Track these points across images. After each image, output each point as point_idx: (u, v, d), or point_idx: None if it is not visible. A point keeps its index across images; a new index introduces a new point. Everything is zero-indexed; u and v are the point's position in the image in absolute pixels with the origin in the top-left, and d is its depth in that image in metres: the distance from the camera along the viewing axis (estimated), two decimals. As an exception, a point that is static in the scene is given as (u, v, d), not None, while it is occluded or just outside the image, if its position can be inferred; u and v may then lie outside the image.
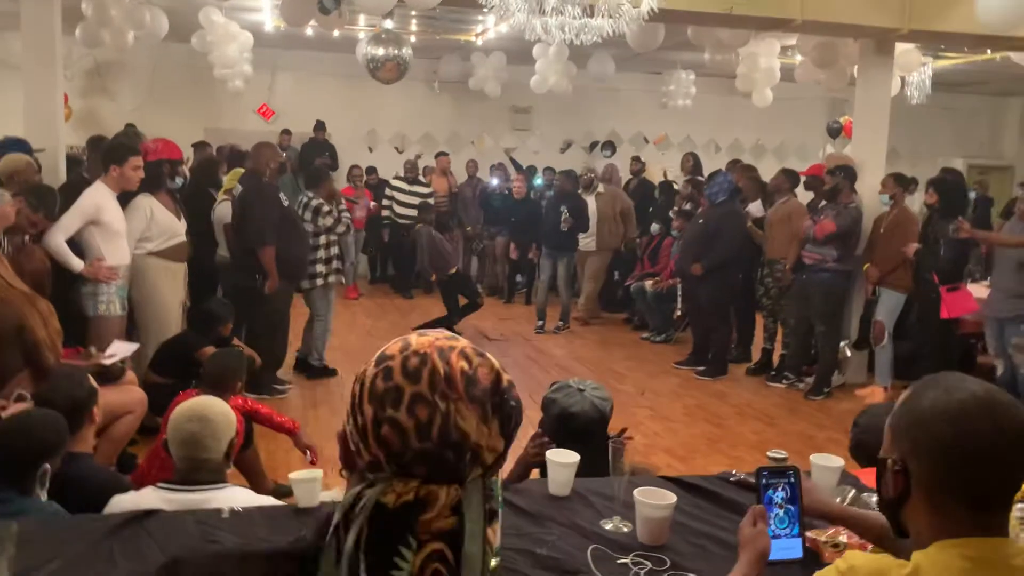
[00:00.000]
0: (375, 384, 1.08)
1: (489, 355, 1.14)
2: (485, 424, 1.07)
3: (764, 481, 1.57)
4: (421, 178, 10.66)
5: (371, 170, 10.88)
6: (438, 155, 11.28)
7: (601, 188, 9.00)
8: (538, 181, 10.57)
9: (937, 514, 1.21)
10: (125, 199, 5.05)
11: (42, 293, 3.86)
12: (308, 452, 3.89)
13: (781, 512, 1.56)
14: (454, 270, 8.39)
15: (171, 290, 5.26)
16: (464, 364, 1.09)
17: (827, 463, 2.23)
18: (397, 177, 10.52)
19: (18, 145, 5.40)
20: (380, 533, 1.05)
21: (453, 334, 1.15)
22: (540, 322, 8.63)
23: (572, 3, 3.43)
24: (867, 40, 6.92)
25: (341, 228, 6.47)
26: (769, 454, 1.96)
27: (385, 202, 10.50)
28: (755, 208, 7.33)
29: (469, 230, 10.73)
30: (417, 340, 1.11)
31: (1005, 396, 1.21)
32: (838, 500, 2.06)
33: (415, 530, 1.05)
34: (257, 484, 3.73)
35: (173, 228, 5.25)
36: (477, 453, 1.07)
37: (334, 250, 6.42)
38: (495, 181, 10.87)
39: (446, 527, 1.06)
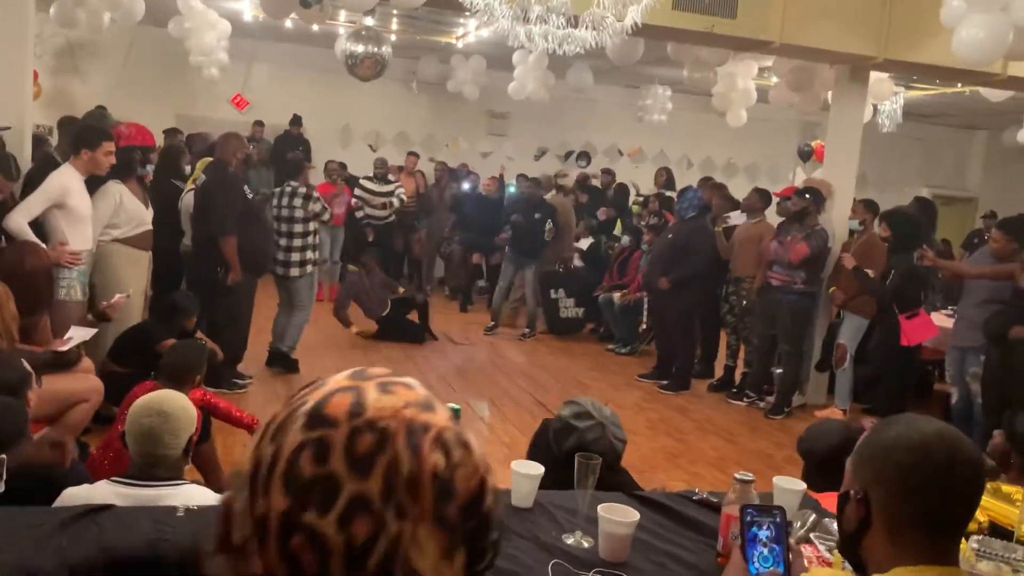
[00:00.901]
0: (298, 465, 0.70)
1: (474, 442, 0.76)
2: (448, 559, 0.71)
3: (749, 519, 1.57)
4: (391, 177, 10.53)
5: (342, 166, 10.75)
6: (408, 155, 11.18)
7: (551, 195, 9.09)
8: (511, 189, 10.55)
9: (896, 542, 1.27)
10: (93, 184, 4.95)
11: (40, 296, 3.80)
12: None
13: (765, 551, 1.56)
14: (387, 310, 8.11)
15: (134, 278, 5.16)
16: (439, 459, 0.71)
17: (789, 486, 2.24)
18: (367, 177, 10.31)
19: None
20: None
21: (427, 395, 0.77)
22: (492, 322, 8.74)
23: (557, 12, 3.43)
24: (843, 66, 7.02)
25: (326, 216, 6.56)
26: (736, 476, 1.96)
27: (355, 202, 10.31)
28: (735, 216, 7.38)
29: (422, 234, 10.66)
30: (377, 399, 0.73)
31: (961, 435, 1.31)
32: (798, 524, 2.07)
33: None
34: (213, 479, 3.67)
35: (141, 216, 5.17)
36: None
37: (318, 239, 6.49)
38: (466, 185, 10.81)
39: None
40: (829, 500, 2.40)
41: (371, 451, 0.69)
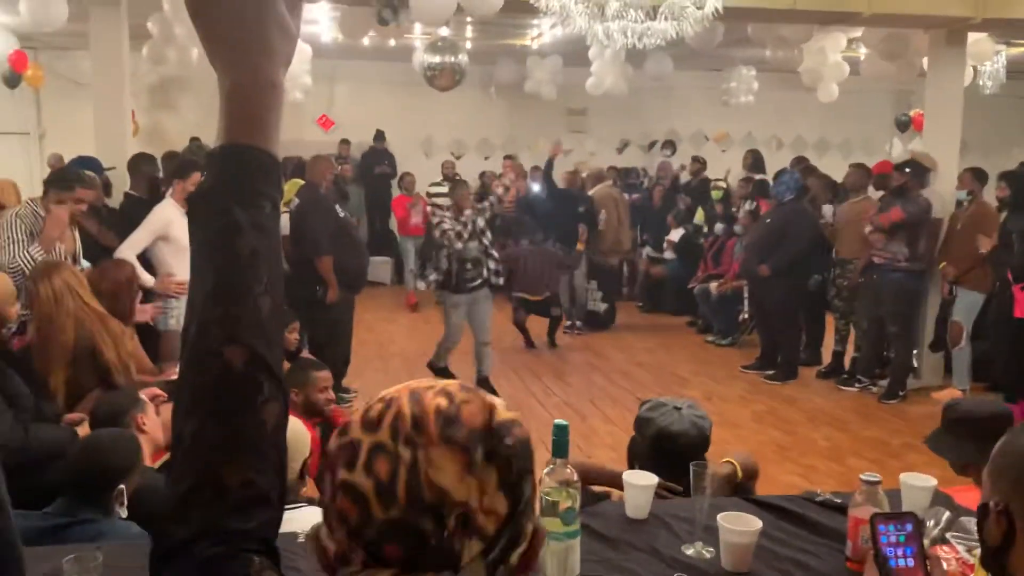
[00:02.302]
0: (331, 445, 0.83)
1: (484, 393, 0.86)
2: (472, 475, 0.78)
3: (881, 528, 1.48)
4: (458, 177, 10.53)
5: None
6: (505, 159, 11.08)
7: (601, 185, 8.96)
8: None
9: None
10: None
11: (120, 306, 3.93)
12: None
13: (901, 562, 1.48)
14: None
15: None
16: (442, 401, 0.81)
17: (918, 483, 2.12)
18: (435, 183, 10.37)
19: (89, 164, 5.55)
20: None
21: (445, 379, 0.91)
22: (569, 321, 8.60)
23: (635, 7, 3.37)
24: (938, 31, 6.68)
25: (445, 241, 6.33)
26: (862, 477, 1.86)
27: (428, 209, 10.35)
28: (827, 212, 7.13)
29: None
30: (397, 387, 0.86)
31: None
32: (931, 523, 1.96)
33: None
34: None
35: None
36: (468, 517, 0.78)
37: (443, 263, 6.31)
38: (536, 186, 10.68)
39: None
40: (962, 495, 2.27)
41: (379, 413, 0.81)
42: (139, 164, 5.69)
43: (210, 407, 0.79)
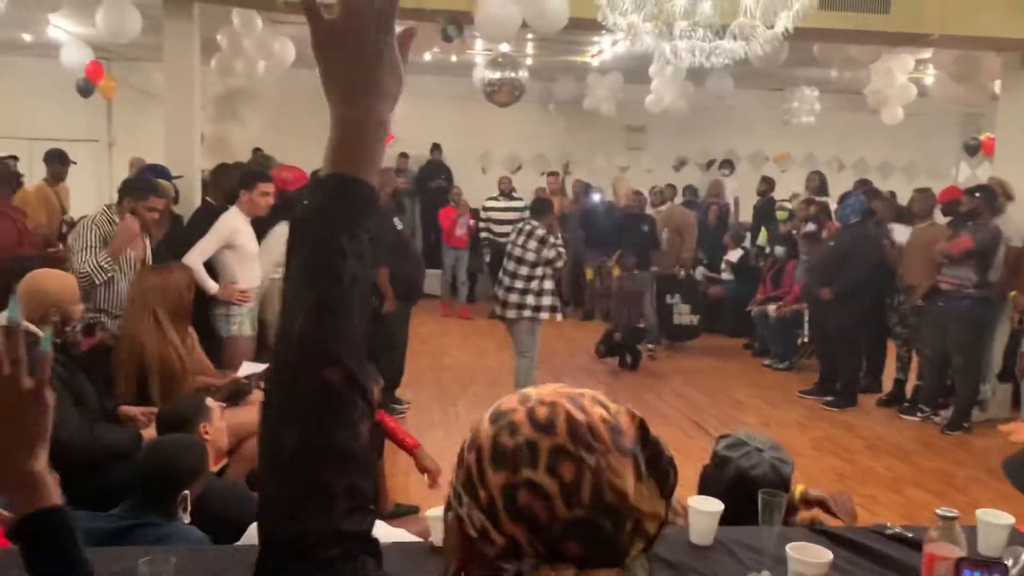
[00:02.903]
0: (499, 442, 0.85)
1: (629, 406, 0.92)
2: (641, 482, 0.85)
3: (967, 574, 1.42)
4: (515, 194, 10.59)
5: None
6: (548, 175, 11.14)
7: (664, 207, 8.93)
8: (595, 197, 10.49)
9: None
10: (262, 223, 5.25)
11: (182, 310, 4.00)
12: (427, 474, 3.89)
13: None
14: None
15: None
16: (602, 411, 0.87)
17: (996, 520, 2.05)
18: (491, 197, 10.44)
19: (159, 173, 5.69)
20: None
21: (565, 384, 0.95)
22: (652, 346, 8.48)
23: (703, 26, 3.34)
24: (1012, 53, 6.51)
25: (559, 264, 6.12)
26: (938, 512, 1.80)
27: (482, 224, 10.43)
28: (899, 230, 6.97)
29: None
30: (537, 391, 0.90)
31: None
32: (1010, 562, 1.89)
33: None
34: (380, 499, 3.75)
35: None
36: (639, 521, 0.85)
37: (548, 284, 5.99)
38: (597, 197, 10.65)
39: None
40: (1043, 535, 2.18)
41: (549, 415, 0.85)
42: (221, 175, 5.81)
43: (312, 420, 0.83)
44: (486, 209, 10.28)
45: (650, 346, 8.37)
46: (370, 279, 0.90)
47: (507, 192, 10.35)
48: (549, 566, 0.83)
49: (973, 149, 11.31)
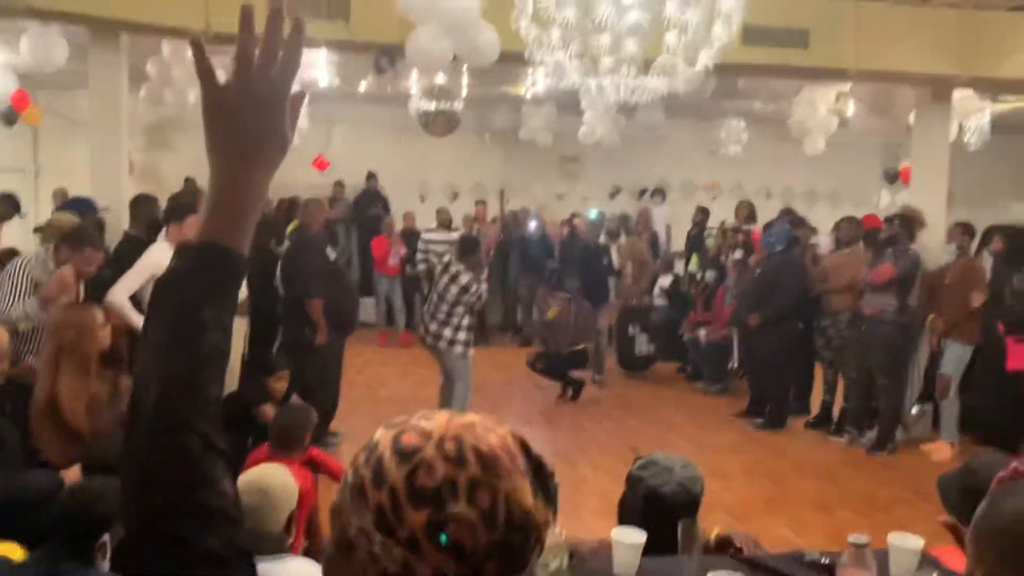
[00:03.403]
0: (416, 482, 0.89)
1: (509, 426, 0.99)
2: (537, 498, 0.93)
3: None
4: (453, 224, 10.61)
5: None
6: (477, 203, 11.15)
7: (623, 239, 8.89)
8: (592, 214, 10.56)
9: None
10: None
11: (95, 351, 3.89)
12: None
13: None
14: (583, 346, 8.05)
15: (235, 346, 5.34)
16: (495, 438, 0.93)
17: (906, 544, 2.13)
18: (430, 229, 10.43)
19: (83, 205, 5.57)
20: None
21: (453, 411, 1.00)
22: (599, 376, 8.38)
23: (627, 63, 3.44)
24: (924, 87, 6.82)
25: (478, 306, 6.37)
26: (850, 539, 1.87)
27: (420, 255, 10.34)
28: (823, 240, 7.21)
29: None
30: (427, 424, 0.94)
31: None
32: (919, 585, 1.97)
33: None
34: (316, 541, 3.70)
35: None
36: (540, 531, 0.93)
37: (465, 320, 6.19)
38: (533, 224, 10.70)
39: None
40: (950, 556, 2.27)
41: (458, 450, 0.90)
42: (141, 205, 5.71)
43: (172, 483, 0.89)
44: (425, 241, 10.25)
45: (596, 376, 8.31)
46: (229, 345, 0.94)
47: (446, 223, 10.38)
48: None
49: (892, 177, 11.75)
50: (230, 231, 0.93)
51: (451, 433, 0.92)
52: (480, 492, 0.89)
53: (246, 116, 0.93)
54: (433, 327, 6.19)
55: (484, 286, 6.30)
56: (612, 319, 8.92)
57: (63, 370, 3.60)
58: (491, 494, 0.89)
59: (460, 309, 6.13)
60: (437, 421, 0.94)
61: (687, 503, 2.20)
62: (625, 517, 2.28)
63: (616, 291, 8.75)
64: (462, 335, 6.17)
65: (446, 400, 6.24)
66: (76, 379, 3.61)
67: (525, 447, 0.95)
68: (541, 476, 0.95)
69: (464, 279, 6.14)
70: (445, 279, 6.19)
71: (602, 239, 9.65)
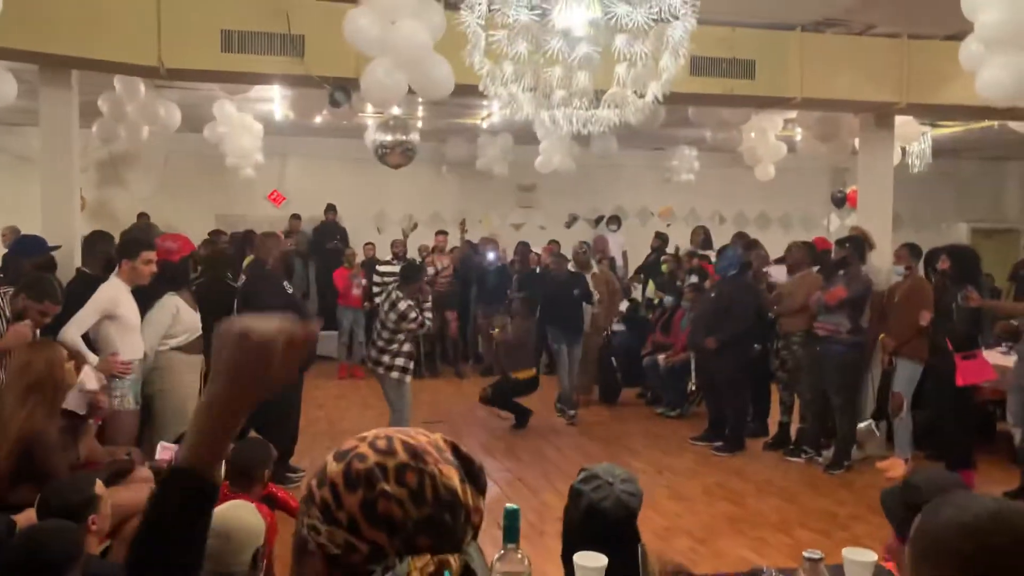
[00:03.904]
0: (351, 470, 1.02)
1: (441, 433, 1.14)
2: (465, 483, 1.06)
3: None
4: (409, 256, 10.61)
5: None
6: (437, 233, 11.19)
7: (596, 268, 8.79)
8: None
9: None
10: (145, 293, 5.12)
11: (51, 388, 3.82)
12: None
13: None
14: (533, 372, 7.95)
15: (191, 383, 5.28)
16: (424, 438, 1.07)
17: (860, 558, 2.19)
18: (385, 261, 10.39)
19: (34, 244, 5.48)
20: None
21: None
22: (572, 412, 8.15)
23: (579, 96, 3.51)
24: (867, 114, 7.05)
25: (421, 332, 6.47)
26: (805, 554, 1.92)
27: (376, 288, 10.26)
28: (775, 271, 7.35)
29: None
30: (370, 432, 1.09)
31: (1016, 507, 1.23)
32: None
33: None
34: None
35: (195, 324, 5.33)
36: (468, 514, 1.05)
37: (406, 347, 6.34)
38: (492, 255, 10.73)
39: None
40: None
41: (388, 444, 1.04)
42: (95, 242, 5.64)
43: None
44: (379, 273, 10.19)
45: (570, 412, 8.14)
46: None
47: (400, 255, 10.35)
48: (411, 557, 1.01)
49: (840, 202, 12.08)
50: (207, 458, 1.08)
51: (383, 433, 1.07)
52: (408, 474, 1.01)
53: (271, 381, 1.10)
54: (373, 353, 6.38)
55: (428, 314, 6.40)
56: (593, 352, 8.77)
57: (33, 408, 3.54)
58: (418, 475, 1.02)
59: (400, 336, 6.28)
60: (376, 430, 1.09)
61: (624, 517, 2.26)
62: (567, 527, 2.34)
63: (592, 321, 8.64)
64: (400, 361, 6.31)
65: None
66: (47, 418, 3.56)
67: (454, 447, 1.09)
68: (470, 469, 1.07)
69: (402, 306, 6.29)
70: (386, 306, 6.37)
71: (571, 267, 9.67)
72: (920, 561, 1.25)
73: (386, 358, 6.30)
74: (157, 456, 4.23)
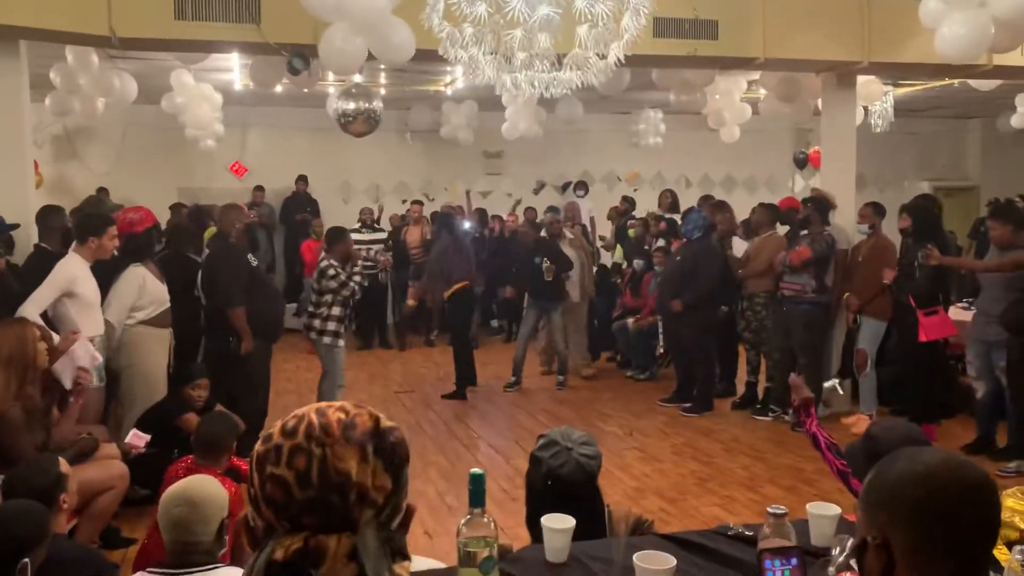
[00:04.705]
0: (257, 451, 1.11)
1: (370, 407, 1.17)
2: (366, 463, 1.09)
3: (767, 563, 1.54)
4: (377, 224, 10.53)
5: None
6: (412, 203, 11.09)
7: (569, 234, 8.51)
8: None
9: None
10: (109, 267, 5.04)
11: (24, 365, 3.75)
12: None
13: None
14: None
15: (160, 356, 5.23)
16: (341, 415, 1.12)
17: (824, 512, 2.22)
18: (354, 229, 10.28)
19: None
20: None
21: (342, 403, 1.19)
22: (514, 378, 8.10)
23: (541, 58, 3.47)
24: (829, 74, 7.06)
25: (346, 292, 6.34)
26: (769, 510, 1.94)
27: None
28: (737, 244, 7.38)
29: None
30: (305, 408, 1.15)
31: (962, 457, 1.32)
32: (836, 551, 2.05)
33: None
34: (239, 554, 3.65)
35: (162, 296, 5.26)
36: (363, 493, 1.08)
37: (335, 311, 6.32)
38: (467, 224, 10.64)
39: None
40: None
41: (295, 425, 1.11)
42: (48, 216, 5.52)
43: None
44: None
45: (560, 378, 8.13)
46: None
47: (369, 223, 10.28)
48: (289, 536, 1.07)
49: (801, 163, 12.14)
50: None
51: (301, 413, 1.13)
52: (298, 457, 1.07)
53: None
54: (305, 319, 6.46)
55: (357, 279, 6.38)
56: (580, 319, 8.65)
57: (1, 385, 3.49)
58: (307, 458, 1.07)
59: (326, 298, 6.30)
60: (310, 406, 1.15)
61: (584, 481, 2.27)
62: (530, 493, 2.35)
63: (581, 288, 8.44)
64: (331, 325, 6.31)
65: (321, 394, 6.34)
66: (15, 397, 3.51)
67: (376, 422, 1.13)
68: (382, 447, 1.11)
69: (323, 263, 6.36)
70: (316, 271, 6.44)
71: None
72: (875, 510, 1.28)
73: (316, 322, 6.30)
74: (127, 440, 4.18)
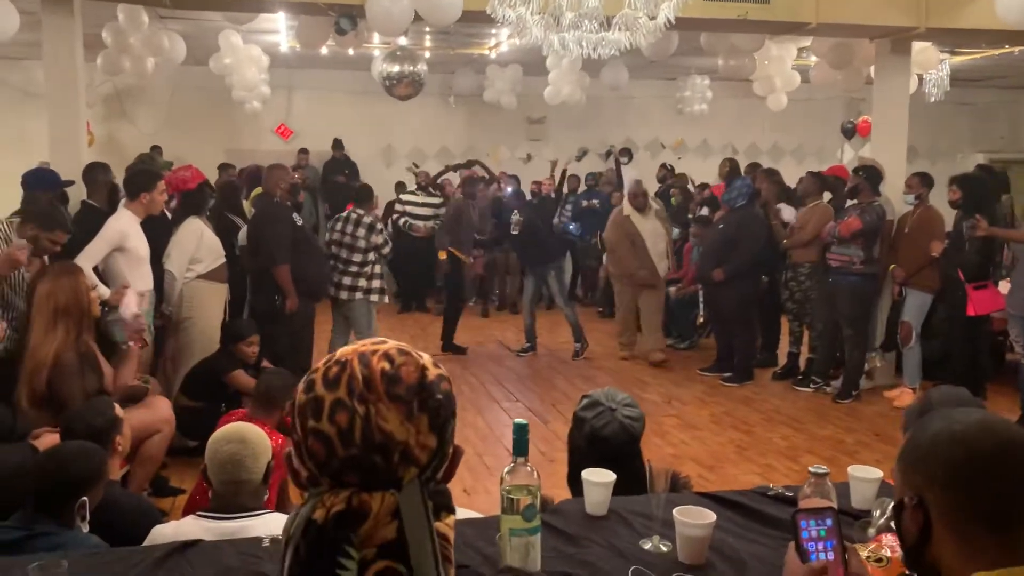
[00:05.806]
0: (299, 398, 1.10)
1: (417, 353, 1.14)
2: (410, 422, 1.06)
3: (803, 523, 1.54)
4: (432, 189, 10.54)
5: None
6: (461, 167, 10.96)
7: (655, 204, 7.88)
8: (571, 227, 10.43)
9: (962, 542, 1.21)
10: (166, 223, 5.15)
11: (80, 311, 3.84)
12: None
13: (822, 553, 1.53)
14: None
15: (217, 311, 5.38)
16: (385, 365, 1.08)
17: (865, 475, 2.21)
18: (409, 191, 10.32)
19: (46, 177, 5.48)
20: (314, 548, 1.05)
21: (383, 340, 1.15)
22: (528, 344, 8.04)
23: (589, 18, 3.44)
24: (883, 40, 6.88)
25: (386, 250, 6.55)
26: (811, 469, 1.94)
27: (396, 216, 10.17)
28: (788, 214, 7.26)
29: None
30: (343, 349, 1.13)
31: (1000, 418, 1.30)
32: (877, 513, 2.05)
33: (352, 542, 1.04)
34: (284, 505, 3.74)
35: (219, 249, 5.41)
36: (407, 453, 1.07)
37: (377, 268, 6.49)
38: (510, 189, 10.60)
39: (389, 536, 1.05)
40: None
41: (337, 374, 1.08)
42: (95, 173, 5.64)
43: None
44: (402, 202, 10.09)
45: (576, 346, 8.03)
46: None
47: (424, 187, 10.24)
48: (333, 492, 1.07)
49: (849, 132, 11.87)
50: None
51: (345, 357, 1.10)
52: (340, 412, 1.05)
53: None
54: (347, 280, 6.41)
55: (383, 236, 6.51)
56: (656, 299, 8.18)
57: (61, 333, 3.60)
58: (350, 415, 1.05)
59: (372, 255, 6.40)
60: (352, 345, 1.13)
61: (627, 442, 2.30)
62: (574, 452, 2.38)
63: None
64: (375, 283, 6.44)
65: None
66: (73, 343, 3.62)
67: (422, 376, 1.09)
68: (426, 403, 1.08)
69: (368, 219, 6.44)
70: (350, 227, 6.44)
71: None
72: (911, 471, 1.27)
73: (362, 281, 6.37)
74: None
